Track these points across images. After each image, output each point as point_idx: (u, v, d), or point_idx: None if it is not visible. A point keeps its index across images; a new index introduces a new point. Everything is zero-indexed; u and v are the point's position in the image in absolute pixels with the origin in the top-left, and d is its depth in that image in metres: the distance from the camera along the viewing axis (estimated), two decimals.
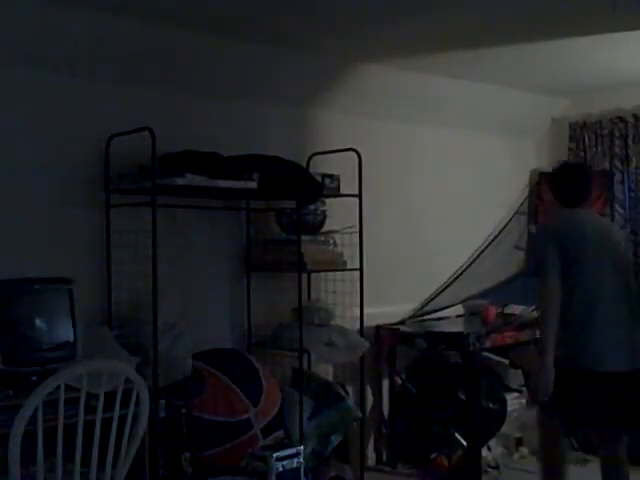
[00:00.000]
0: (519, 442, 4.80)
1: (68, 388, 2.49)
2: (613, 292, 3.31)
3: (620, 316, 3.29)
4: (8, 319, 2.95)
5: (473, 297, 5.11)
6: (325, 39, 3.78)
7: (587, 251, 3.32)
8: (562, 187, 3.50)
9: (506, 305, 5.20)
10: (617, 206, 5.14)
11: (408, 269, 4.77)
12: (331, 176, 4.09)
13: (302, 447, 3.59)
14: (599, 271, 3.31)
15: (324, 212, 4.05)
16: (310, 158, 4.13)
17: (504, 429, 4.64)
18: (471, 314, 5.11)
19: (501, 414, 4.58)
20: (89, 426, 2.52)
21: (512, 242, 5.43)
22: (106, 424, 2.56)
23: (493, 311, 4.87)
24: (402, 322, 4.73)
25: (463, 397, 4.35)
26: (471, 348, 4.25)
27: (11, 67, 3.25)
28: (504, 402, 4.62)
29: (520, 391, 4.90)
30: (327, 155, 4.08)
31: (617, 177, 5.16)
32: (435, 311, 4.90)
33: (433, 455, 4.44)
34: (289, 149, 4.02)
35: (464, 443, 4.35)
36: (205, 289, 3.90)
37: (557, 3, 3.27)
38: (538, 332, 3.48)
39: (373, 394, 4.66)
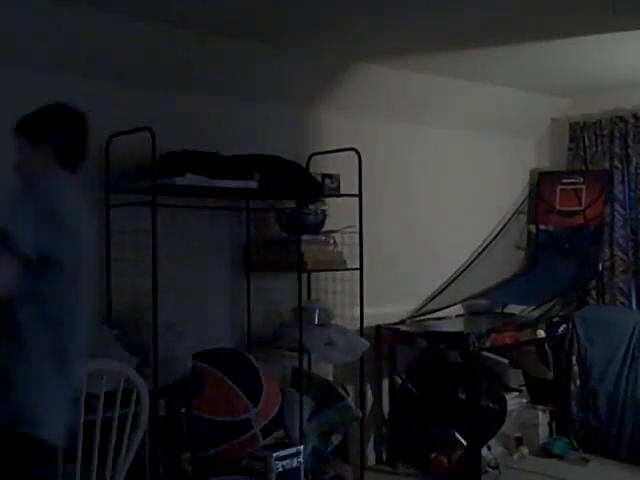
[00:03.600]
0: (519, 442, 4.80)
1: None
2: None
3: None
4: None
5: (473, 297, 5.12)
6: (325, 39, 3.78)
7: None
8: (62, 133, 2.38)
9: (506, 305, 5.20)
10: (617, 206, 5.14)
11: (408, 269, 4.76)
12: (331, 176, 4.09)
13: (302, 447, 3.59)
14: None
15: (324, 212, 4.05)
16: (310, 158, 4.13)
17: (504, 429, 4.64)
18: (471, 314, 5.11)
19: (501, 414, 4.58)
20: (89, 426, 2.52)
21: (512, 242, 5.44)
22: (106, 424, 2.57)
23: None
24: (402, 322, 4.73)
25: (463, 397, 4.35)
26: (471, 348, 4.25)
27: (11, 67, 3.25)
28: (504, 402, 4.62)
29: (520, 391, 4.91)
30: (327, 155, 4.08)
31: (617, 177, 5.15)
32: (435, 311, 4.90)
33: (433, 455, 4.44)
34: (289, 149, 4.02)
35: (464, 443, 4.35)
36: (205, 289, 3.90)
37: (557, 3, 3.27)
38: None
39: (373, 394, 4.66)
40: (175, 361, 3.31)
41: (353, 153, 3.99)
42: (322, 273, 4.17)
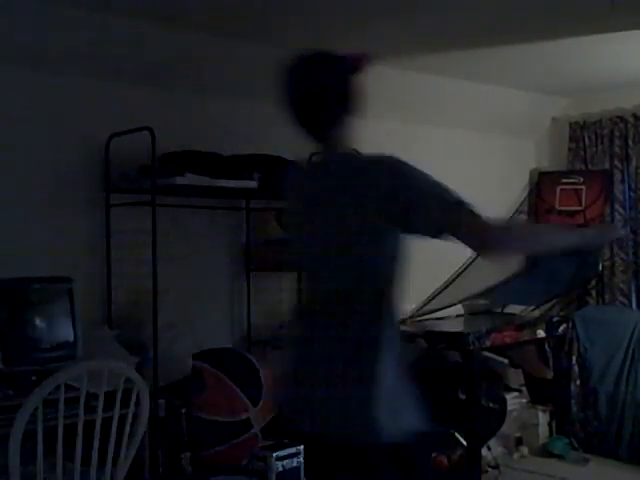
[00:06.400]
0: (519, 442, 4.80)
1: (68, 388, 2.50)
2: (325, 305, 1.90)
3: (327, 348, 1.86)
4: (8, 319, 2.95)
5: (473, 297, 5.11)
6: (325, 39, 3.77)
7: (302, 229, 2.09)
8: (286, 101, 2.06)
9: (506, 305, 5.20)
10: (617, 206, 5.14)
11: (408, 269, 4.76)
12: None
13: (302, 447, 3.59)
14: (313, 268, 2.01)
15: None
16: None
17: (504, 429, 4.64)
18: (471, 314, 5.11)
19: (501, 414, 4.58)
20: (89, 426, 2.52)
21: None
22: (106, 424, 2.57)
23: None
24: (402, 322, 4.73)
25: (463, 397, 4.35)
26: (471, 348, 4.25)
27: (11, 67, 3.25)
28: (504, 402, 4.62)
29: (520, 391, 4.91)
30: None
31: (617, 177, 5.16)
32: (435, 311, 4.90)
33: (433, 455, 4.44)
34: (289, 149, 4.01)
35: (464, 443, 4.35)
36: (205, 289, 3.90)
37: (557, 3, 3.28)
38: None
39: None
40: (175, 361, 3.32)
41: None
42: None
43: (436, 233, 1.87)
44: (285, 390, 1.99)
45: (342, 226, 1.84)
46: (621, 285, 5.11)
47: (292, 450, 3.51)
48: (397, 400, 1.82)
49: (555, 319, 4.92)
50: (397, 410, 1.82)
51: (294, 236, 2.12)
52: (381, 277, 1.85)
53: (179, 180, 3.28)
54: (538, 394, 4.97)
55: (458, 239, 1.85)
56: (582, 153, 5.35)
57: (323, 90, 1.94)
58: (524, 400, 4.91)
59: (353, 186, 1.84)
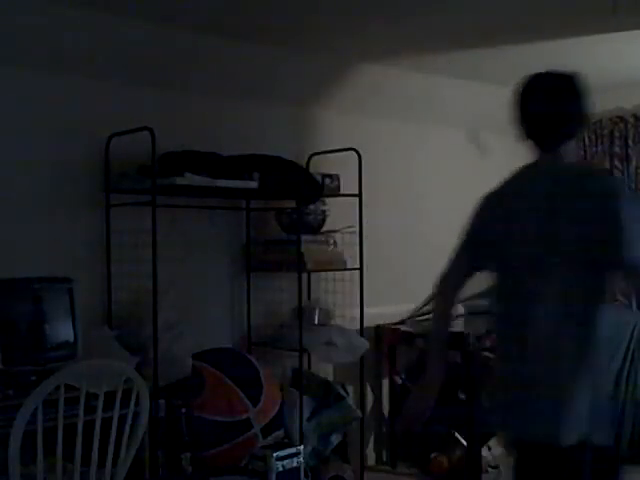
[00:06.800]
0: None
1: (68, 388, 2.50)
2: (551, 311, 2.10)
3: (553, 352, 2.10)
4: (8, 319, 2.95)
5: (473, 297, 5.10)
6: (325, 39, 3.78)
7: (514, 238, 2.21)
8: (521, 113, 2.27)
9: None
10: None
11: (408, 269, 4.76)
12: (331, 176, 4.09)
13: (302, 447, 3.60)
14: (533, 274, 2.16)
15: (324, 212, 4.05)
16: (310, 158, 4.13)
17: None
18: (471, 314, 5.10)
19: None
20: (89, 426, 2.52)
21: None
22: (106, 424, 2.57)
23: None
24: (402, 322, 4.73)
25: (463, 397, 4.35)
26: (471, 348, 4.25)
27: (11, 67, 3.25)
28: None
29: None
30: (327, 155, 4.08)
31: None
32: None
33: (433, 455, 4.44)
34: (289, 149, 4.02)
35: (464, 443, 4.35)
36: (205, 289, 3.90)
37: (557, 3, 3.28)
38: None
39: (373, 394, 4.66)
40: (175, 361, 3.31)
41: (353, 153, 3.99)
42: (322, 273, 4.17)
43: (622, 260, 2.12)
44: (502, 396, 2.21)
45: (575, 227, 2.07)
46: (621, 285, 5.10)
47: (292, 450, 3.51)
48: (601, 407, 2.03)
49: None
50: (601, 417, 2.03)
51: (501, 233, 2.27)
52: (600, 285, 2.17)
53: (179, 180, 3.28)
54: None
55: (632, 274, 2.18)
56: (582, 153, 5.35)
57: (567, 106, 2.18)
58: None
59: (584, 194, 2.07)
